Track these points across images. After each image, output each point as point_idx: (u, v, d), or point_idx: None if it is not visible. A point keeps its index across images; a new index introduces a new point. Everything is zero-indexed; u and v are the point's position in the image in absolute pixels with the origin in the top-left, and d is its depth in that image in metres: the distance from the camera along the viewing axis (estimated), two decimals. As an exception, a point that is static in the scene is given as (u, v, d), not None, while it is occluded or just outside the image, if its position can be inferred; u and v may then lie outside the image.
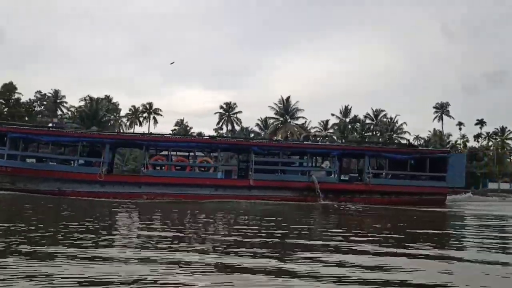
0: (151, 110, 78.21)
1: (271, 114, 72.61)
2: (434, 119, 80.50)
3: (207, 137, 25.12)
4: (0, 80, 59.58)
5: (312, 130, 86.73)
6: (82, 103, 64.97)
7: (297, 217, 13.71)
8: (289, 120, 71.22)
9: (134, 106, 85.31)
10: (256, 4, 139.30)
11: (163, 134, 24.56)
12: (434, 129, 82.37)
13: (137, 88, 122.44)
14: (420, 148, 26.08)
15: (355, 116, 77.61)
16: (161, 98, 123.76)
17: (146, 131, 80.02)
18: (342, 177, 24.14)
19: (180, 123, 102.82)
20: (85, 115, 59.52)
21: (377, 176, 22.40)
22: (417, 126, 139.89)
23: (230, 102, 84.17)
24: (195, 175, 19.90)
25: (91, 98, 63.31)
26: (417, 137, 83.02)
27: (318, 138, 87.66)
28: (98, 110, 60.28)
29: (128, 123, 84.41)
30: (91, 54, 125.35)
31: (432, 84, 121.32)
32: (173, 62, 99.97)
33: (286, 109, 70.99)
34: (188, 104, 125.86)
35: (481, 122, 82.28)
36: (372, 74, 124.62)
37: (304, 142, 26.35)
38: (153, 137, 21.15)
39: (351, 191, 20.79)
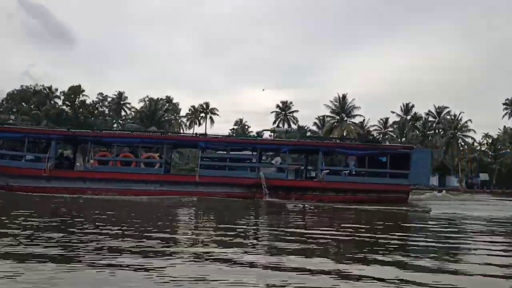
0: (207, 110, 79.56)
1: (327, 112, 71.69)
2: (503, 116, 75.34)
3: (156, 133, 24.87)
4: (71, 82, 63.81)
5: (371, 129, 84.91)
6: (142, 104, 67.53)
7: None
8: (345, 119, 69.80)
9: (193, 106, 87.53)
10: (321, 4, 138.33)
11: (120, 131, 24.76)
12: (505, 126, 77.21)
13: (203, 88, 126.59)
14: (380, 143, 24.18)
15: (415, 114, 74.52)
16: (226, 98, 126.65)
17: (203, 131, 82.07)
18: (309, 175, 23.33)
19: (239, 122, 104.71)
20: (144, 115, 61.93)
21: (336, 172, 21.37)
22: (486, 123, 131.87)
23: (287, 101, 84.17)
24: (140, 171, 19.69)
25: (150, 99, 65.73)
26: (486, 135, 78.21)
27: (376, 136, 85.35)
28: (156, 111, 62.44)
29: (188, 123, 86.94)
30: (159, 56, 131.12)
31: (503, 79, 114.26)
32: (264, 89, 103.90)
33: (342, 107, 69.61)
34: (253, 103, 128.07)
35: (557, 119, 75.89)
36: (438, 71, 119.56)
37: (258, 138, 25.36)
38: (97, 133, 20.97)
39: (303, 188, 19.89)
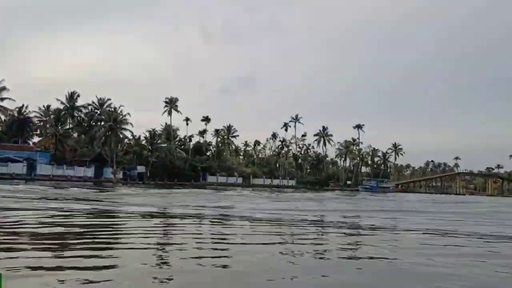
0: None
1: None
2: (163, 113, 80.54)
3: None
4: None
5: (31, 115, 77.57)
6: None
7: None
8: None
9: None
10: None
11: None
12: (166, 123, 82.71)
13: None
14: None
15: (74, 103, 71.78)
16: None
17: None
18: None
19: None
20: None
21: None
22: (152, 119, 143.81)
23: None
24: None
25: None
26: (153, 131, 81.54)
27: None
28: None
29: None
30: None
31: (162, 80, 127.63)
32: None
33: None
34: None
35: (206, 119, 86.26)
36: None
37: None
38: None
39: None
